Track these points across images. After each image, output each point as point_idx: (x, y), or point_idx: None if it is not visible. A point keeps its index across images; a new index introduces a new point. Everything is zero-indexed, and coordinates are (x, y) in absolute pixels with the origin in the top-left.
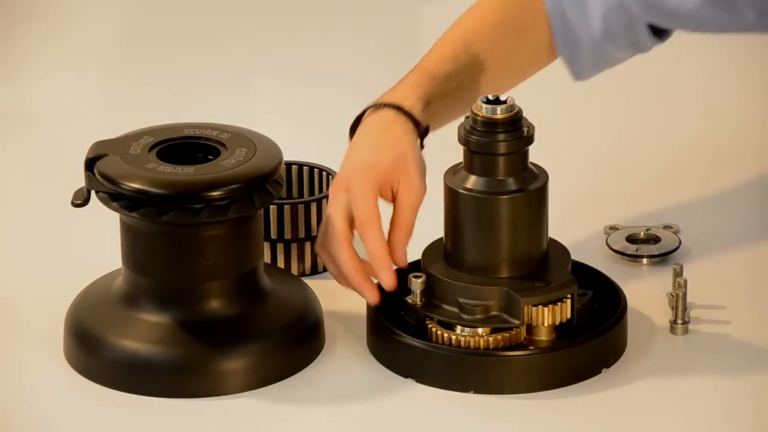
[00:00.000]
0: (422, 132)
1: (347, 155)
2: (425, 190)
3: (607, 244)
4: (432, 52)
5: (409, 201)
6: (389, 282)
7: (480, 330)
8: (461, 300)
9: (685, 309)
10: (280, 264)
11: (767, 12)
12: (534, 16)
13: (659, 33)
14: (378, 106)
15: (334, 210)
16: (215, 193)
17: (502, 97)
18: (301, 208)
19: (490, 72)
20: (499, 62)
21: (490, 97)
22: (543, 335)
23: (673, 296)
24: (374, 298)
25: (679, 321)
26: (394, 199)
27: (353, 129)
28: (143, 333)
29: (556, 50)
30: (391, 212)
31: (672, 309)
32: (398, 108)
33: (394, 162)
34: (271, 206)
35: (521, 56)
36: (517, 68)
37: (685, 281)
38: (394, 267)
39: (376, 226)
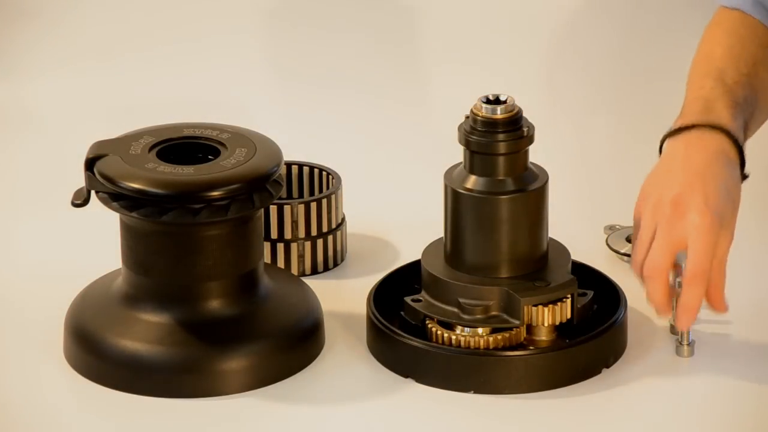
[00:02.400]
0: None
1: (674, 170)
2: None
3: (607, 244)
4: (712, 77)
5: (725, 250)
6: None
7: (480, 330)
8: (461, 300)
9: None
10: (280, 264)
11: None
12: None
13: None
14: (704, 126)
15: (665, 241)
16: (215, 193)
17: (502, 97)
18: (301, 208)
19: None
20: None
21: (490, 96)
22: (543, 335)
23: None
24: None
25: None
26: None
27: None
28: (143, 333)
29: None
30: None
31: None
32: (726, 133)
33: (732, 212)
34: (271, 206)
35: None
36: None
37: None
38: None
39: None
